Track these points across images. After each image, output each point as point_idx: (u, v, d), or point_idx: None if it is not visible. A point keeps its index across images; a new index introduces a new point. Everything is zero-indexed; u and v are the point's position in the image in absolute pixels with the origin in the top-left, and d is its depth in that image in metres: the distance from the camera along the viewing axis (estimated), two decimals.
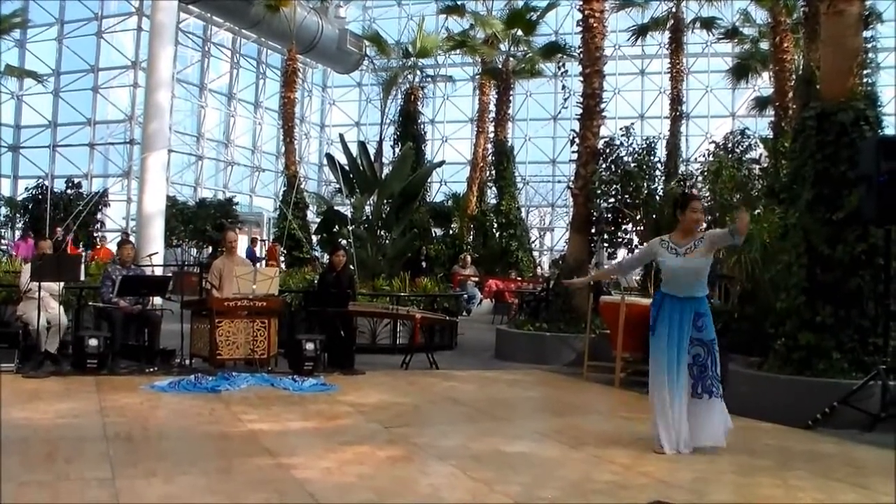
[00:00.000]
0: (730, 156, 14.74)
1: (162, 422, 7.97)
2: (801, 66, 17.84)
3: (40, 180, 29.16)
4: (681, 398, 7.03)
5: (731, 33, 26.39)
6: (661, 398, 7.07)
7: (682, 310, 7.13)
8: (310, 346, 11.02)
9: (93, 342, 10.44)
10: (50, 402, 8.44)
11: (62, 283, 11.32)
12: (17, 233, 26.97)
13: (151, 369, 10.75)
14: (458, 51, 30.84)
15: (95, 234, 28.79)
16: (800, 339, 9.06)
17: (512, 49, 29.18)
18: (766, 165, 14.89)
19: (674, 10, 24.29)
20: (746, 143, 15.57)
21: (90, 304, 12.13)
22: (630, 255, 14.16)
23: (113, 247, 22.80)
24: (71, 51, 33.91)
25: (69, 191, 28.51)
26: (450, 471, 6.23)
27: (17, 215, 27.88)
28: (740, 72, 26.79)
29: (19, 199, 29.32)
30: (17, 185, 32.58)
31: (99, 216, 28.42)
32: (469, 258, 25.63)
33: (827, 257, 9.11)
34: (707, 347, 7.06)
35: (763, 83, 28.13)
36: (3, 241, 26.68)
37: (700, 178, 14.49)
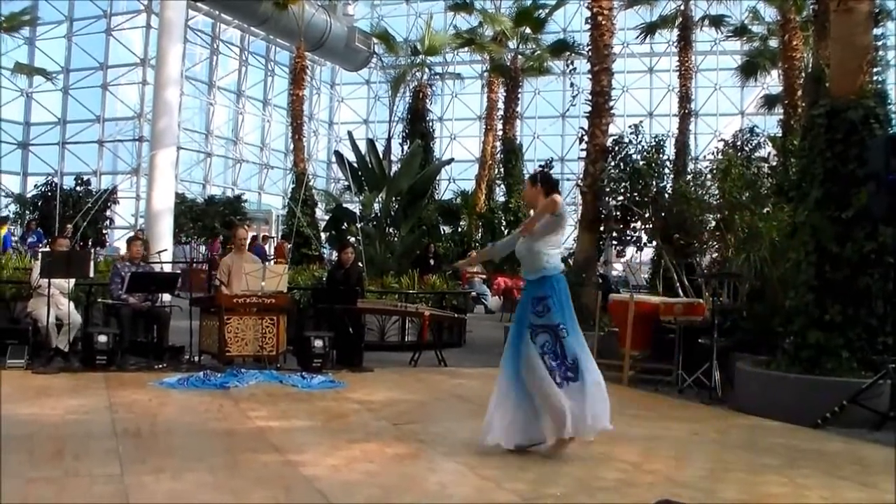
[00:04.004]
0: (739, 154, 14.70)
1: (170, 418, 7.98)
2: (811, 64, 17.79)
3: (50, 177, 29.28)
4: (516, 388, 6.67)
5: (740, 31, 26.30)
6: (497, 384, 6.83)
7: (526, 294, 6.94)
8: (318, 343, 11.03)
9: (102, 339, 10.48)
10: (59, 398, 8.46)
11: (72, 281, 11.36)
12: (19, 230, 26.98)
13: (160, 366, 10.77)
14: (466, 48, 30.92)
15: (104, 232, 28.90)
16: (808, 337, 9.03)
17: (520, 47, 29.19)
18: (774, 163, 14.85)
19: (682, 7, 24.23)
20: (755, 142, 15.54)
21: (99, 300, 12.15)
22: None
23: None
24: (80, 48, 34.06)
25: (78, 188, 28.60)
26: (457, 468, 6.23)
27: (27, 212, 27.94)
28: (749, 70, 26.69)
29: (29, 196, 29.42)
30: (26, 181, 32.68)
31: (108, 213, 28.48)
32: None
33: (836, 256, 9.09)
34: (553, 333, 6.61)
35: (772, 81, 28.05)
36: (13, 238, 26.72)
37: (709, 176, 14.44)
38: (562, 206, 6.70)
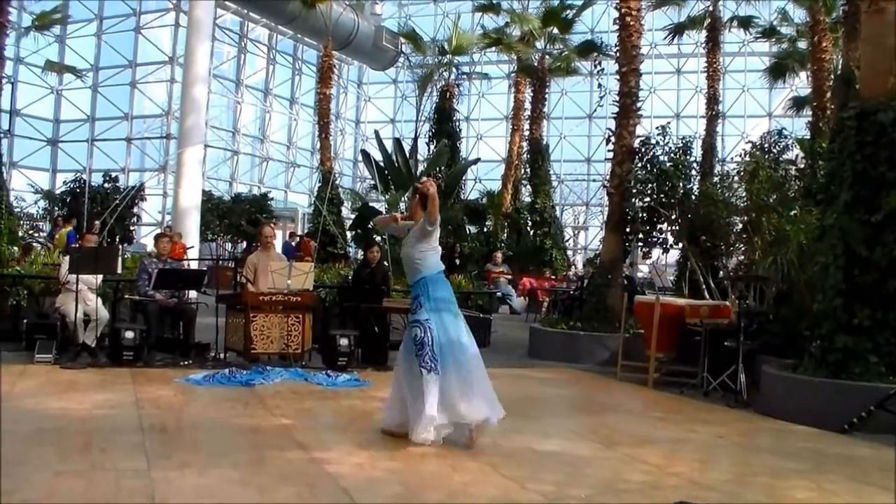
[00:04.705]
0: (766, 156, 14.59)
1: (196, 414, 8.04)
2: (840, 66, 17.65)
3: (78, 174, 29.44)
4: (405, 379, 7.12)
5: (769, 32, 26.10)
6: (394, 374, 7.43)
7: (411, 294, 7.49)
8: (343, 341, 11.08)
9: (129, 335, 10.55)
10: (86, 393, 8.53)
11: (100, 277, 11.45)
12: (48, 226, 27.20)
13: (186, 362, 10.85)
14: (493, 48, 30.82)
15: (131, 228, 29.09)
16: (836, 341, 8.97)
17: (548, 47, 29.08)
18: (802, 166, 14.74)
19: (711, 8, 24.07)
20: (783, 144, 15.41)
21: (126, 296, 12.23)
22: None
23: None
24: (109, 46, 34.21)
25: (106, 185, 28.82)
26: (481, 467, 6.24)
27: (55, 208, 28.17)
28: (777, 71, 26.48)
29: (57, 192, 29.65)
30: (55, 178, 32.91)
31: (135, 210, 28.66)
32: (500, 255, 25.56)
33: (865, 259, 9.02)
34: (422, 327, 7.06)
35: (801, 83, 27.83)
36: (41, 234, 26.93)
37: (736, 178, 14.35)
38: (437, 221, 7.27)
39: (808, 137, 17.75)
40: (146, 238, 29.01)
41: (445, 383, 6.89)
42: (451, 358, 6.98)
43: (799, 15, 24.05)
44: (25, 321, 11.57)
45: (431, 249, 7.32)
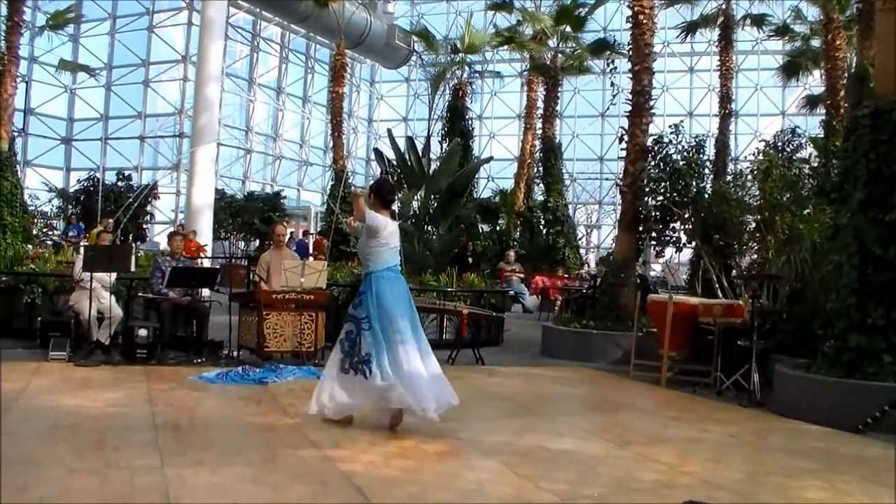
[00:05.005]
0: (780, 155, 14.54)
1: (209, 412, 8.07)
2: (854, 64, 17.61)
3: (92, 172, 29.57)
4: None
5: (782, 30, 26.01)
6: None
7: None
8: None
9: (142, 332, 10.61)
10: (100, 390, 8.57)
11: (114, 275, 11.49)
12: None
13: (199, 360, 10.88)
14: (505, 47, 30.71)
15: (145, 227, 29.19)
16: (849, 340, 8.94)
17: (560, 45, 29.01)
18: (816, 165, 14.69)
19: (724, 6, 24.01)
20: (797, 142, 15.35)
21: (140, 294, 12.28)
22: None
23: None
24: (123, 45, 34.29)
25: (120, 183, 28.95)
26: (495, 466, 6.24)
27: (69, 206, 28.28)
28: (791, 69, 26.38)
29: (71, 190, 29.77)
30: (69, 176, 33.03)
31: (149, 208, 28.75)
32: (513, 254, 25.54)
33: (879, 258, 8.98)
34: (356, 324, 7.45)
35: (814, 81, 27.75)
36: (55, 232, 27.05)
37: (749, 177, 14.30)
38: (371, 219, 7.44)
39: (822, 136, 17.70)
40: (159, 236, 29.08)
41: (359, 390, 7.26)
42: (378, 369, 7.20)
43: (812, 13, 23.96)
44: (40, 319, 11.64)
45: (381, 246, 7.54)
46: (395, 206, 19.90)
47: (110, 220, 21.43)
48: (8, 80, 19.43)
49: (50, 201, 29.37)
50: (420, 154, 21.25)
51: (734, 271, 14.43)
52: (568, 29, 28.06)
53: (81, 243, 18.60)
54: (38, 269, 13.17)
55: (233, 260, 22.15)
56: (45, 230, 26.01)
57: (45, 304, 12.47)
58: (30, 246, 16.64)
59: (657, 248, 15.71)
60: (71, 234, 23.47)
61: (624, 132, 15.14)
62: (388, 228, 7.55)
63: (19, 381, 8.69)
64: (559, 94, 30.01)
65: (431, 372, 7.32)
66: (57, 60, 27.15)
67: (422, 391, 7.09)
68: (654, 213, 14.55)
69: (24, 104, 30.06)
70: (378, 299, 7.37)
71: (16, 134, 21.60)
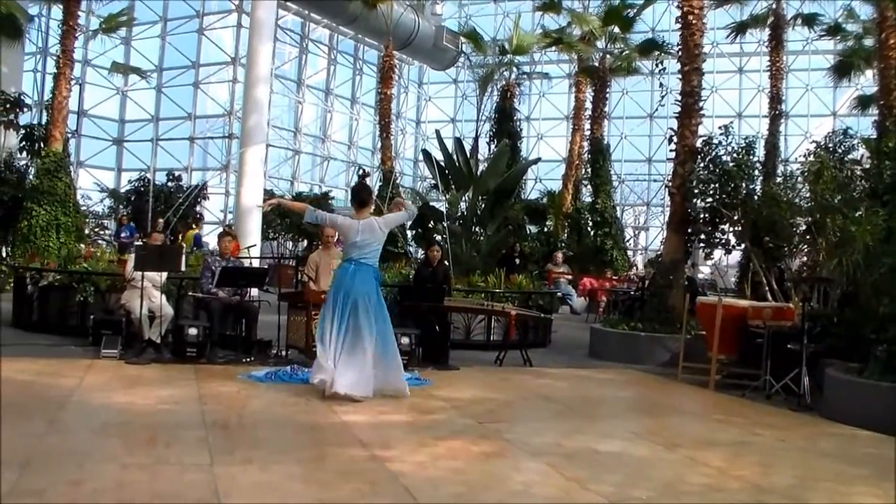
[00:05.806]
0: (831, 156, 14.36)
1: (258, 411, 8.12)
2: None
3: (143, 173, 29.92)
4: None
5: (834, 30, 25.73)
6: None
7: None
8: (405, 340, 11.08)
9: (192, 331, 10.68)
10: (151, 388, 8.65)
11: (164, 274, 11.61)
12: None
13: (248, 359, 10.93)
14: (554, 48, 30.71)
15: (194, 227, 29.48)
16: None
17: (608, 46, 28.93)
18: (868, 166, 14.49)
19: (774, 6, 23.80)
20: (848, 143, 15.14)
21: (189, 293, 12.39)
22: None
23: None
24: (173, 47, 34.79)
25: (170, 183, 29.27)
26: (542, 468, 6.22)
27: (120, 207, 28.66)
28: (842, 69, 26.04)
29: (122, 191, 30.17)
30: (120, 177, 33.49)
31: (198, 208, 29.02)
32: (561, 256, 25.47)
33: None
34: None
35: (866, 81, 27.35)
36: (106, 232, 27.43)
37: (800, 179, 14.14)
38: (333, 221, 9.80)
39: (874, 136, 17.44)
40: (208, 237, 29.35)
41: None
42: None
43: (865, 11, 23.66)
44: (92, 317, 11.75)
45: (348, 245, 9.18)
46: (444, 208, 19.98)
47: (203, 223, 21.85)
48: (63, 83, 19.77)
49: (102, 201, 29.82)
50: (468, 155, 21.26)
51: (785, 274, 14.28)
52: (616, 30, 27.97)
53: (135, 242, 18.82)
54: (91, 268, 13.33)
55: (281, 260, 22.28)
56: (96, 230, 26.39)
57: (98, 302, 12.62)
58: (82, 245, 16.86)
59: (706, 251, 15.60)
60: (123, 234, 23.77)
61: (673, 133, 15.05)
62: (353, 227, 9.01)
63: (73, 378, 8.81)
64: (607, 95, 29.97)
65: (355, 354, 8.62)
66: (109, 63, 27.59)
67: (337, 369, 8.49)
68: (703, 215, 14.44)
69: (78, 106, 30.62)
70: (338, 290, 8.85)
71: (70, 135, 21.95)
